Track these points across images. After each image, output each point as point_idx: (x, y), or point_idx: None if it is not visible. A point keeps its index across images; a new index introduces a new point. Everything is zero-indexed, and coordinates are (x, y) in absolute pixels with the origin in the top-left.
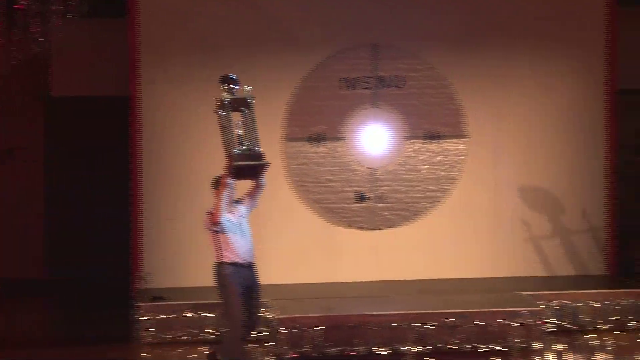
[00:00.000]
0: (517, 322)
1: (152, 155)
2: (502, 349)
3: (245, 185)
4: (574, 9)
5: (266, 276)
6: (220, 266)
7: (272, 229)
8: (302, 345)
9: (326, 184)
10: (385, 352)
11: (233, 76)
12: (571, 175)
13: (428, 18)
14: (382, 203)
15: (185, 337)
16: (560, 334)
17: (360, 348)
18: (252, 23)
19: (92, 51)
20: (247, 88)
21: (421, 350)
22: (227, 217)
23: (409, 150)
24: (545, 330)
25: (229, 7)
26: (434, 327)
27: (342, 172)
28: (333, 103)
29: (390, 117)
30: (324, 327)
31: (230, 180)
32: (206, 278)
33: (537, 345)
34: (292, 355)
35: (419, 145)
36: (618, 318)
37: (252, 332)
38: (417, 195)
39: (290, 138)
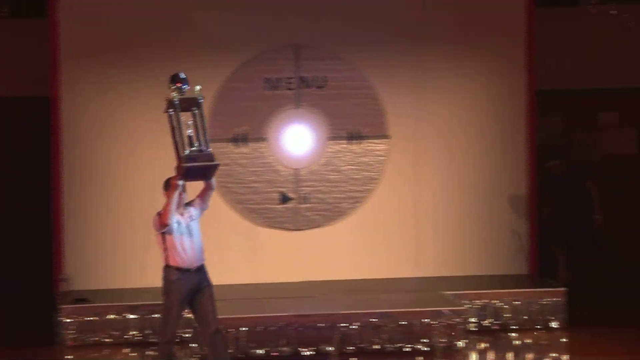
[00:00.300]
0: (440, 322)
1: (73, 156)
2: (425, 348)
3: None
4: (494, 9)
5: None
6: (166, 269)
7: None
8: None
9: (249, 185)
10: (310, 353)
11: (182, 75)
12: (492, 175)
13: (350, 19)
14: (306, 204)
15: (108, 340)
16: (484, 333)
17: (285, 349)
18: (174, 24)
19: (12, 52)
20: (197, 87)
21: (345, 350)
22: (176, 219)
23: (332, 150)
24: (468, 330)
25: (151, 8)
26: (357, 327)
27: (265, 172)
28: (256, 104)
29: (313, 117)
30: (248, 328)
31: (179, 182)
32: (129, 280)
33: (460, 344)
34: None
35: (341, 145)
36: (540, 317)
37: (209, 332)
38: (340, 195)
39: (213, 139)
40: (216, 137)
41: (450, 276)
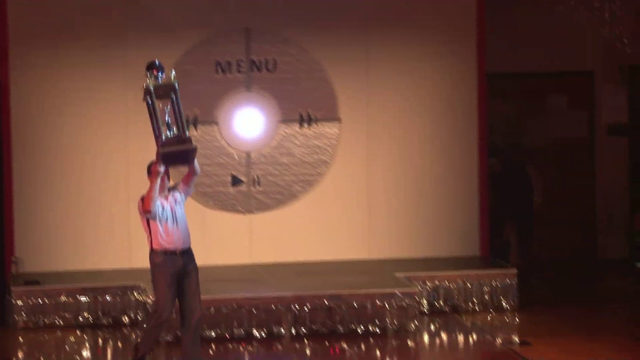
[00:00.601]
0: (392, 304)
1: (22, 139)
2: (377, 330)
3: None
4: None
5: (140, 260)
6: (152, 253)
7: None
8: (178, 329)
9: (200, 168)
10: (262, 335)
11: (158, 63)
12: (445, 158)
13: (301, 2)
14: (257, 187)
15: (60, 322)
16: (435, 315)
17: (237, 331)
18: (124, 7)
19: None
20: (172, 73)
21: (297, 332)
22: (160, 204)
23: (284, 133)
24: (420, 312)
25: None
26: (309, 309)
27: (216, 156)
28: (206, 87)
29: (264, 100)
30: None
31: (161, 168)
32: (80, 262)
33: (412, 326)
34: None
35: (293, 128)
36: (491, 299)
37: (193, 318)
38: (292, 178)
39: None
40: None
41: (403, 258)
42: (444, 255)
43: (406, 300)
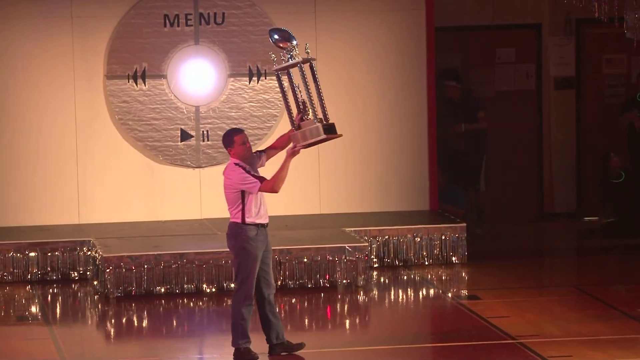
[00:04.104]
0: (342, 258)
1: None
2: (327, 285)
3: None
4: None
5: (89, 215)
6: (241, 228)
7: (96, 168)
8: (127, 284)
9: (149, 122)
10: (212, 290)
11: (286, 30)
12: (394, 112)
13: None
14: (206, 141)
15: (9, 277)
16: (385, 269)
17: (187, 286)
18: None
19: None
20: (306, 45)
21: None
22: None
23: (232, 87)
24: (370, 266)
25: None
26: None
27: (164, 110)
28: (154, 40)
29: (213, 54)
30: (149, 266)
31: (299, 149)
32: (30, 217)
33: (361, 281)
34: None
35: (242, 82)
36: (441, 252)
37: (272, 292)
38: None
39: (111, 76)
40: (114, 74)
41: (352, 213)
42: (394, 210)
43: (356, 254)
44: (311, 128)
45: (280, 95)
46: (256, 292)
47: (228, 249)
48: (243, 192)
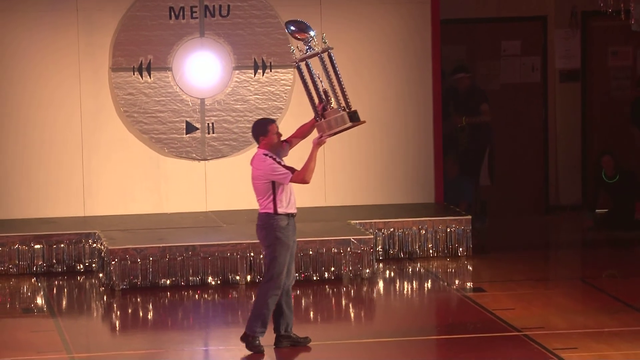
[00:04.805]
0: (347, 251)
1: None
2: (333, 277)
3: None
4: None
5: (95, 207)
6: (272, 218)
7: (101, 160)
8: (133, 276)
9: (154, 115)
10: (217, 282)
11: (303, 21)
12: (399, 105)
13: None
14: (211, 133)
15: (14, 270)
16: (391, 261)
17: (192, 278)
18: None
19: None
20: (323, 35)
21: (253, 279)
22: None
23: (238, 80)
24: (375, 259)
25: None
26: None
27: (170, 102)
28: (160, 33)
29: (218, 46)
30: (155, 258)
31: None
32: (35, 210)
33: (367, 273)
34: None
35: (247, 75)
36: (446, 245)
37: (292, 281)
38: (247, 125)
39: (116, 68)
40: (120, 67)
41: (358, 205)
42: (399, 202)
43: (361, 246)
44: (336, 117)
45: (302, 86)
46: None
47: (258, 240)
48: (274, 183)
